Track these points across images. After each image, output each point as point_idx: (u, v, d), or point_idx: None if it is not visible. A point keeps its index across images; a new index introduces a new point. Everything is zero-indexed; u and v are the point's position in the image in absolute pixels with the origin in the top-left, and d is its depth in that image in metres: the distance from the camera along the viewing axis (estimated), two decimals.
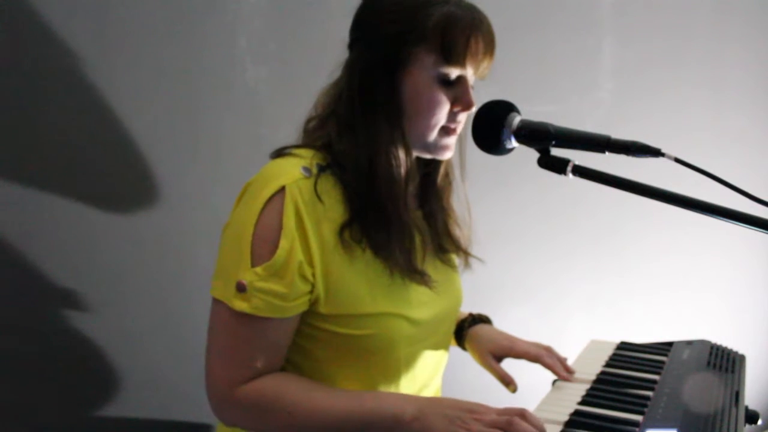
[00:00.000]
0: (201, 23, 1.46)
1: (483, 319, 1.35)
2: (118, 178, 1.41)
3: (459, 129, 1.08)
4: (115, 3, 1.36)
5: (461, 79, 1.04)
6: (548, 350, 1.27)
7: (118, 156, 1.40)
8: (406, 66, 1.02)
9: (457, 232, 1.20)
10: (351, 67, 1.05)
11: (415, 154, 1.09)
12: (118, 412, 1.45)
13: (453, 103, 1.04)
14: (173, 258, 1.48)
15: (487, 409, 0.95)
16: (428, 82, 1.02)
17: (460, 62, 1.01)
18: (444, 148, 1.08)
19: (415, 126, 1.04)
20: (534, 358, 1.25)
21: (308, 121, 1.10)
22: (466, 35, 1.00)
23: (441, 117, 1.04)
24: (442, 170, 1.17)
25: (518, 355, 1.27)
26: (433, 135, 1.05)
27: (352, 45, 1.07)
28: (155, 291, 1.46)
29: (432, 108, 1.03)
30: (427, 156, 1.10)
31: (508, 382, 1.25)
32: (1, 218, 1.29)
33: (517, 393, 1.23)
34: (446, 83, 1.03)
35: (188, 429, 1.54)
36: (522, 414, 0.93)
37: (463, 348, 1.34)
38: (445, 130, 1.06)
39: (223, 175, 1.49)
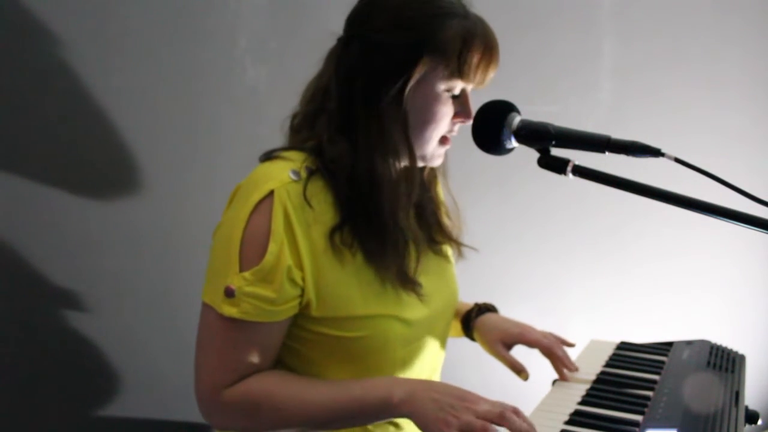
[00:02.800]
0: (201, 23, 1.46)
1: (489, 308, 1.34)
2: (117, 177, 1.41)
3: (451, 137, 1.08)
4: (115, 3, 1.36)
5: (463, 91, 1.05)
6: (561, 342, 1.27)
7: (117, 156, 1.40)
8: (416, 75, 1.00)
9: (447, 222, 1.20)
10: (347, 63, 1.02)
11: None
12: (118, 412, 1.45)
13: (454, 115, 1.05)
14: (173, 258, 1.48)
15: (477, 398, 0.93)
16: (437, 94, 1.02)
17: (471, 78, 1.02)
18: (438, 157, 1.10)
19: (417, 136, 1.04)
20: (546, 349, 1.24)
21: (294, 116, 1.09)
22: (481, 52, 1.01)
23: (443, 129, 1.05)
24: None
25: (529, 343, 1.26)
26: (433, 146, 1.06)
27: (349, 41, 1.03)
28: (155, 291, 1.46)
29: (438, 120, 1.03)
30: (419, 165, 1.10)
31: (520, 370, 1.24)
32: (1, 218, 1.29)
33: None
34: (452, 95, 1.04)
35: (188, 429, 1.54)
36: (514, 411, 0.92)
37: (472, 338, 1.33)
38: (442, 141, 1.07)
39: (223, 175, 1.48)
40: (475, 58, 1.00)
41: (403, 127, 1.02)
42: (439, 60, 1.00)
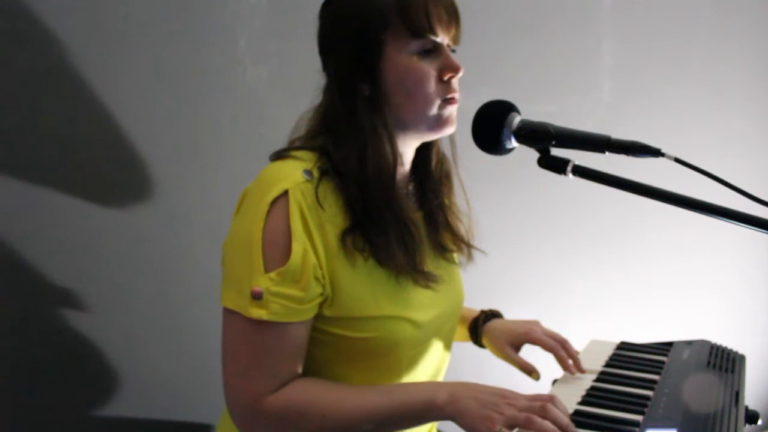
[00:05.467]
0: (201, 23, 1.46)
1: (495, 314, 1.35)
2: (118, 178, 1.41)
3: (457, 97, 1.06)
4: (115, 2, 1.36)
5: (439, 47, 1.04)
6: (564, 343, 1.27)
7: (118, 156, 1.40)
8: (381, 55, 1.02)
9: (459, 226, 1.20)
10: (330, 83, 1.06)
11: (420, 139, 1.09)
12: (118, 412, 1.45)
13: (440, 73, 1.04)
14: (173, 258, 1.48)
15: (517, 395, 0.96)
16: (407, 61, 1.02)
17: (429, 31, 1.01)
18: (447, 120, 1.06)
19: (411, 108, 1.04)
20: (549, 349, 1.26)
21: (291, 142, 1.10)
22: (423, 5, 1.00)
23: (432, 88, 1.03)
24: (434, 159, 1.16)
25: (533, 342, 1.27)
26: (434, 108, 1.04)
27: (325, 65, 1.08)
28: (155, 291, 1.46)
29: (420, 81, 1.02)
30: (433, 135, 1.09)
31: (531, 371, 1.25)
32: (1, 218, 1.29)
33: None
34: (425, 54, 1.03)
35: (188, 429, 1.54)
36: (552, 400, 0.94)
37: (481, 345, 1.34)
38: (446, 102, 1.05)
39: (223, 175, 1.48)
40: (419, 14, 1.00)
41: (379, 113, 1.03)
42: (390, 32, 1.01)
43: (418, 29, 1.01)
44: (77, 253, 1.37)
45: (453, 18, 1.04)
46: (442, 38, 1.03)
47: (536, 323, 1.30)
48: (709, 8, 2.42)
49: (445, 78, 1.04)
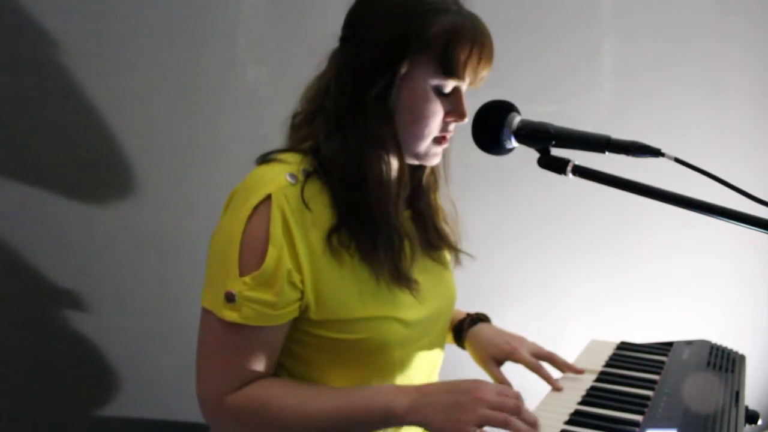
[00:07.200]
0: (201, 23, 1.46)
1: (482, 318, 1.33)
2: (118, 177, 1.41)
3: (449, 137, 1.07)
4: (115, 3, 1.36)
5: (456, 90, 1.04)
6: (550, 358, 1.26)
7: (118, 156, 1.40)
8: (402, 72, 1.00)
9: (446, 229, 1.19)
10: (342, 62, 1.03)
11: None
12: (118, 412, 1.45)
13: (446, 113, 1.04)
14: (173, 258, 1.48)
15: (482, 387, 0.95)
16: (425, 92, 1.01)
17: (460, 75, 1.00)
18: (433, 156, 1.08)
19: (408, 134, 1.03)
20: (532, 369, 1.24)
21: (294, 116, 1.09)
22: (468, 48, 0.99)
23: (435, 127, 1.03)
24: (428, 168, 1.16)
25: (517, 362, 1.26)
26: (425, 145, 1.05)
27: (345, 40, 1.05)
28: (155, 291, 1.46)
29: (427, 118, 1.02)
30: (414, 162, 1.09)
31: None
32: (1, 218, 1.29)
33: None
34: (442, 93, 1.02)
35: (188, 429, 1.54)
36: (518, 407, 0.94)
37: (463, 348, 1.34)
38: (437, 140, 1.05)
39: (223, 175, 1.48)
40: (462, 55, 0.99)
41: (390, 124, 1.02)
42: (426, 56, 0.99)
43: (452, 68, 0.99)
44: (77, 253, 1.37)
45: (486, 66, 1.03)
46: (466, 81, 1.03)
47: (522, 341, 1.28)
48: (709, 8, 2.42)
49: (448, 120, 1.04)
